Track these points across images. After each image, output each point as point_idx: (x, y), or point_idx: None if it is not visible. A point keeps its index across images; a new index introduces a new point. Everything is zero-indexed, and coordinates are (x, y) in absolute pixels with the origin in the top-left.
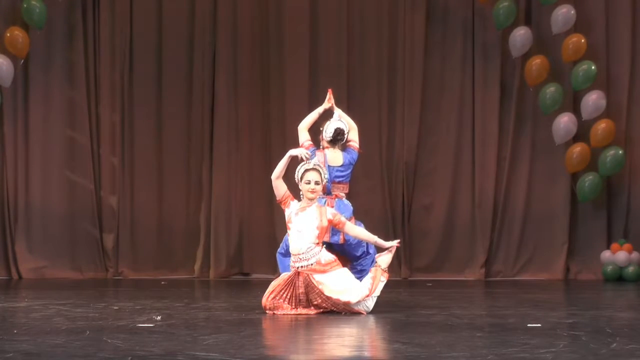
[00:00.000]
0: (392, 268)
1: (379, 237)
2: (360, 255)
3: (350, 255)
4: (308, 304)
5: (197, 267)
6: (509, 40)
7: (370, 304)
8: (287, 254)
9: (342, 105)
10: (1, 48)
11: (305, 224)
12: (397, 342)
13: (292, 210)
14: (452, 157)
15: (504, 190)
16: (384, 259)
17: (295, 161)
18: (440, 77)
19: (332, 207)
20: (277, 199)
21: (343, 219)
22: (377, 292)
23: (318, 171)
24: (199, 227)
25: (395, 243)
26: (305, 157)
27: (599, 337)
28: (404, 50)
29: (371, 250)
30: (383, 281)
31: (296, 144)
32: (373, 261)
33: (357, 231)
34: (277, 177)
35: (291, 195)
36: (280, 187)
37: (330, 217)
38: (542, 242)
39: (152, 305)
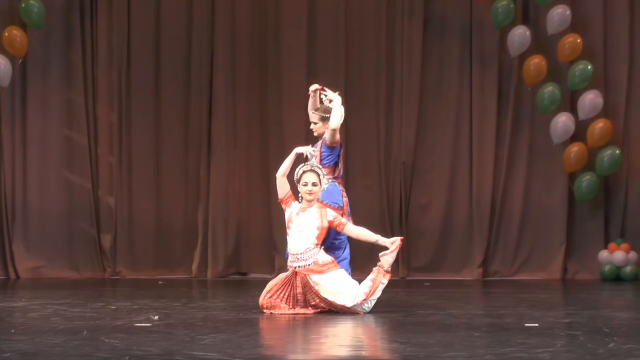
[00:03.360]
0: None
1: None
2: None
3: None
4: (305, 304)
5: (194, 266)
6: (507, 39)
7: (368, 306)
8: None
9: None
10: None
11: (306, 224)
12: (394, 342)
13: (293, 211)
14: (450, 157)
15: (501, 190)
16: (387, 260)
17: (300, 159)
18: (438, 77)
19: None
20: (279, 197)
21: (344, 220)
22: (377, 295)
23: (316, 173)
24: (197, 227)
25: (398, 240)
26: (311, 155)
27: (597, 336)
28: (401, 52)
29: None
30: (384, 283)
31: (291, 142)
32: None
33: (358, 232)
34: (283, 175)
35: (293, 196)
36: (283, 186)
37: (330, 218)
38: (539, 241)
39: (150, 304)
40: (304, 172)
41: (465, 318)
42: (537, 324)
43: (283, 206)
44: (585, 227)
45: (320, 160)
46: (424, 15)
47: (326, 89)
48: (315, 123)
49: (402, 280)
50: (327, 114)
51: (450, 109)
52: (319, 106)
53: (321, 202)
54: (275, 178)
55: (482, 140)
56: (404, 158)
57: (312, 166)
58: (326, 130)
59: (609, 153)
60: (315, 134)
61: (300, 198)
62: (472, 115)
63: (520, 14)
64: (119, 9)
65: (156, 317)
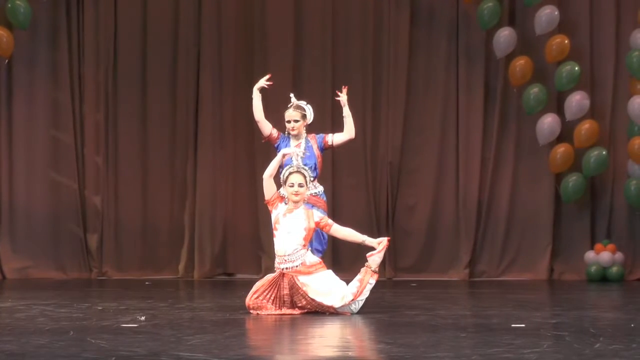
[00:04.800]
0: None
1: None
2: None
3: None
4: (292, 305)
5: (181, 267)
6: (493, 40)
7: (356, 306)
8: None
9: (326, 103)
10: None
11: (293, 226)
12: (381, 342)
13: (280, 212)
14: (436, 157)
15: (488, 191)
16: (374, 260)
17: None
18: (425, 77)
19: None
20: (266, 199)
21: (330, 221)
22: (365, 295)
23: (302, 174)
24: (184, 227)
25: (384, 240)
26: (297, 156)
27: (583, 337)
28: (388, 50)
29: None
30: (372, 283)
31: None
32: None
33: (344, 233)
34: (270, 176)
35: (280, 197)
36: (270, 187)
37: (317, 219)
38: (526, 242)
39: (136, 305)
40: (290, 173)
41: (451, 319)
42: (523, 325)
43: (270, 207)
44: (572, 228)
45: (321, 161)
46: (411, 10)
47: (345, 90)
48: (297, 121)
49: (388, 281)
50: (304, 111)
51: (437, 109)
52: (293, 104)
53: (317, 197)
54: (262, 179)
55: (469, 140)
56: (391, 158)
57: (299, 167)
58: (329, 135)
59: (596, 154)
60: (294, 132)
61: (286, 199)
62: (459, 115)
63: (506, 15)
64: (106, 8)
65: (143, 318)
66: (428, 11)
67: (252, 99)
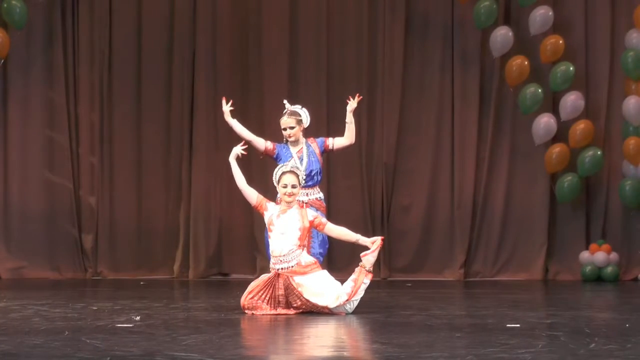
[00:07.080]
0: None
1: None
2: None
3: None
4: (287, 305)
5: (176, 267)
6: (490, 40)
7: (351, 307)
8: None
9: (321, 107)
10: None
11: (288, 226)
12: (376, 342)
13: (273, 213)
14: (432, 158)
15: (483, 191)
16: (368, 259)
17: (272, 162)
18: (420, 77)
19: None
20: (252, 204)
21: (324, 220)
22: (360, 295)
23: (295, 174)
24: (179, 227)
25: (378, 239)
26: (242, 153)
27: (578, 337)
28: (383, 53)
29: None
30: (366, 283)
31: None
32: None
33: (338, 232)
34: (242, 184)
35: (265, 198)
36: (250, 194)
37: (311, 218)
38: (521, 242)
39: (131, 305)
40: (284, 173)
41: (446, 319)
42: (518, 325)
43: (260, 211)
44: (567, 228)
45: (322, 164)
46: (406, 14)
47: (357, 99)
48: (293, 127)
49: (383, 281)
50: (299, 116)
51: (432, 109)
52: (287, 110)
53: (320, 201)
54: (254, 179)
55: (464, 140)
56: (386, 159)
57: (292, 168)
58: (330, 139)
59: (591, 154)
60: (292, 139)
61: (277, 199)
62: (454, 115)
63: (502, 15)
64: (101, 9)
65: (137, 318)
66: (423, 14)
67: (246, 100)
